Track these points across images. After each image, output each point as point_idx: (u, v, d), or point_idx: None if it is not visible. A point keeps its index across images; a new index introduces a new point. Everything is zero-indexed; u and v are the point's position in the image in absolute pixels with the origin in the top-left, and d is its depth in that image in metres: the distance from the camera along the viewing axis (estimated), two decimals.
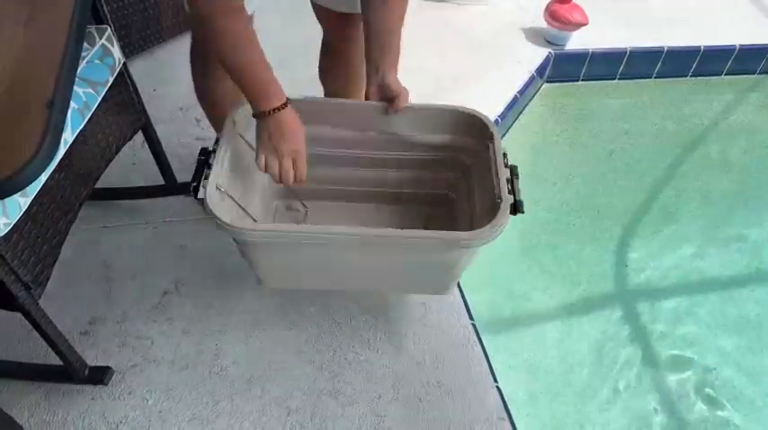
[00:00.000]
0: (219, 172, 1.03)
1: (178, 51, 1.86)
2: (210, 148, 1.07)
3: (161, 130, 1.62)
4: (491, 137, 1.18)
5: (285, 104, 1.02)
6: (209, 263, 1.38)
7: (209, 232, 1.43)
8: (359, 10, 1.22)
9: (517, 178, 1.10)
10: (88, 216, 1.40)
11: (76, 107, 1.00)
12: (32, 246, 0.95)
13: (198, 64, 1.29)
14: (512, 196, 1.06)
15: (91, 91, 1.04)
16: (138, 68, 1.78)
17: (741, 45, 2.21)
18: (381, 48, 1.16)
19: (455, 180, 1.34)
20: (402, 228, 1.04)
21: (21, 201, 0.89)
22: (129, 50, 1.75)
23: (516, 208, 1.06)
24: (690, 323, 1.95)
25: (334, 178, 1.35)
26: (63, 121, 0.85)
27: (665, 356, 1.80)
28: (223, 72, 1.01)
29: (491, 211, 1.06)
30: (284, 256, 1.12)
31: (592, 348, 1.76)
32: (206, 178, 1.01)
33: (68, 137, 0.98)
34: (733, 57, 2.23)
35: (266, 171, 1.05)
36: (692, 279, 2.08)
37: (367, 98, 1.19)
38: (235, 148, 1.11)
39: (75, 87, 1.01)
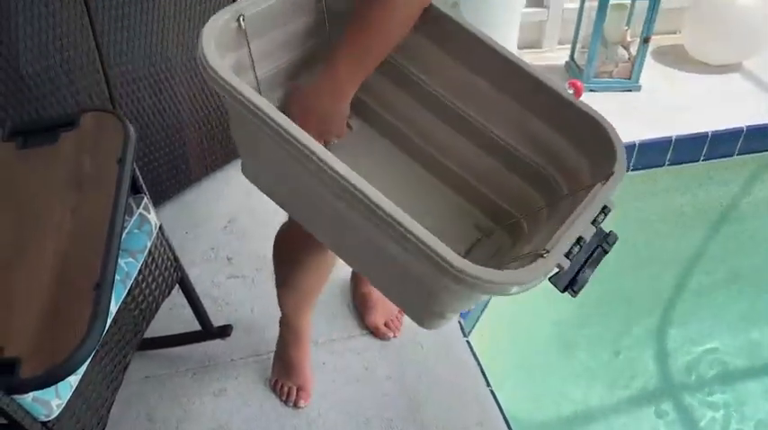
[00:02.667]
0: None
1: (206, 190, 1.96)
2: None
3: (195, 274, 1.68)
4: (608, 174, 0.80)
5: None
6: (249, 405, 1.40)
7: (248, 373, 1.46)
8: None
9: (603, 253, 0.77)
10: (130, 368, 1.44)
11: (119, 279, 1.06)
12: (83, 420, 0.98)
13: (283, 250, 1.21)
14: (570, 263, 0.72)
15: (131, 260, 1.10)
16: (169, 214, 1.88)
17: (748, 126, 2.26)
18: None
19: (536, 205, 0.97)
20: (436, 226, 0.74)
21: (71, 380, 0.93)
22: (160, 197, 1.85)
23: (572, 286, 0.74)
24: (746, 410, 1.88)
25: (408, 115, 1.04)
26: (108, 303, 0.90)
27: None
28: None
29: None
30: (266, 152, 0.87)
31: None
32: None
33: (112, 309, 1.04)
34: (742, 138, 2.27)
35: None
36: (739, 364, 2.02)
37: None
38: None
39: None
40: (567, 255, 0.72)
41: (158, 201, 1.85)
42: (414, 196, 1.03)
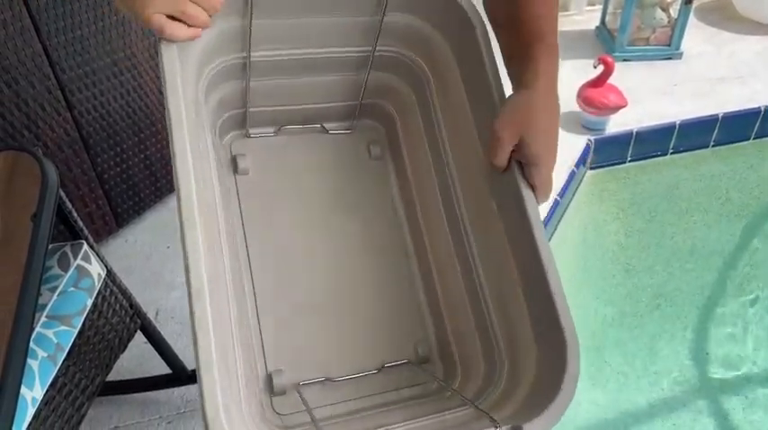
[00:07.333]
0: None
1: None
2: None
3: (175, 298, 1.53)
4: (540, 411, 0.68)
5: None
6: None
7: None
8: None
9: None
10: (98, 416, 1.30)
11: (45, 356, 0.89)
12: None
13: None
14: None
15: (64, 328, 0.93)
16: (151, 223, 1.71)
17: None
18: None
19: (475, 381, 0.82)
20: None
21: None
22: (141, 207, 1.68)
23: None
24: None
25: (417, 157, 0.92)
26: (11, 414, 0.73)
27: None
28: None
29: None
30: None
31: None
32: None
33: (38, 394, 0.87)
34: None
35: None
36: None
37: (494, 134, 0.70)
38: None
39: (43, 330, 0.91)
40: None
41: (138, 211, 1.68)
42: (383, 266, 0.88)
